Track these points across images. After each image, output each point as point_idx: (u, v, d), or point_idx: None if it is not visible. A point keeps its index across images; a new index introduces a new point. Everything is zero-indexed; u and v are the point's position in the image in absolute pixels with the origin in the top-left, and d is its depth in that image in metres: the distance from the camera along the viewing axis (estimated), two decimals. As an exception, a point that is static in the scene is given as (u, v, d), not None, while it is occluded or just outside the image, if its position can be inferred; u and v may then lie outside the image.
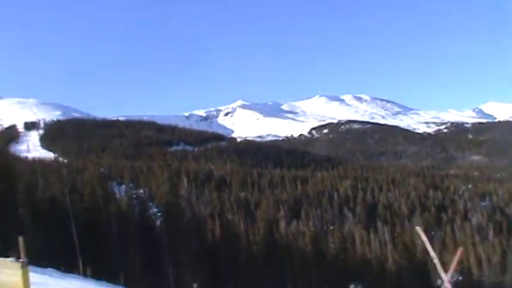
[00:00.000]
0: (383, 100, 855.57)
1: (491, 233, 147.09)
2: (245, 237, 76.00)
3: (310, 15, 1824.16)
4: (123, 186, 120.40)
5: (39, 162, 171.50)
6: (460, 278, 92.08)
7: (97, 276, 53.83)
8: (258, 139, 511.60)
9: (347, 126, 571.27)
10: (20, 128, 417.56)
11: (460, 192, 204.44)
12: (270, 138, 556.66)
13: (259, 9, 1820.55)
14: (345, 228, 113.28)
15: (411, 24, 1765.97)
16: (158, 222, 75.85)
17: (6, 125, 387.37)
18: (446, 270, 7.51)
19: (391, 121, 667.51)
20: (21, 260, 17.09)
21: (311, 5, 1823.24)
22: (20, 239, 17.89)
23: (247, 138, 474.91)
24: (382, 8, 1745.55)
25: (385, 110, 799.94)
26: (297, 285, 72.41)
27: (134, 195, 79.95)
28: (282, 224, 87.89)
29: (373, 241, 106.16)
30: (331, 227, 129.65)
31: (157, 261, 66.30)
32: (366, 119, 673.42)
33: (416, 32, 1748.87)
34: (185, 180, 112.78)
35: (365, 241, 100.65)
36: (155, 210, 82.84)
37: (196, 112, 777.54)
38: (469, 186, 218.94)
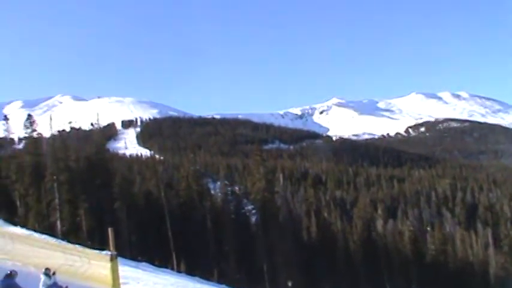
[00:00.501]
0: (483, 97, 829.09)
1: None
2: (342, 235, 74.67)
3: (408, 12, 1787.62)
4: (218, 183, 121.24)
5: (135, 159, 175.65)
6: None
7: (190, 271, 54.06)
8: (354, 137, 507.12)
9: (445, 124, 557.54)
10: (118, 125, 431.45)
11: None
12: (365, 136, 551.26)
13: (356, 8, 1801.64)
14: (445, 229, 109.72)
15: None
16: (253, 219, 75.58)
17: (104, 123, 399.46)
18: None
19: (491, 119, 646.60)
20: (110, 253, 16.88)
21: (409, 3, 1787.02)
22: (110, 231, 17.61)
23: (343, 137, 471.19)
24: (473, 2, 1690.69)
25: (484, 107, 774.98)
26: (395, 285, 70.55)
27: (229, 192, 79.83)
28: (380, 223, 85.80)
29: (474, 243, 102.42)
30: (428, 228, 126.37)
31: (251, 258, 65.99)
32: (465, 117, 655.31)
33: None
34: (281, 177, 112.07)
35: (466, 243, 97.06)
36: (250, 207, 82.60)
37: (291, 110, 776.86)
38: None
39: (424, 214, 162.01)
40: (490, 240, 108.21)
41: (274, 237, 63.70)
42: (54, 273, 16.31)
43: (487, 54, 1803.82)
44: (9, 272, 15.20)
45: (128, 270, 27.72)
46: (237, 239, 65.95)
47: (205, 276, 51.28)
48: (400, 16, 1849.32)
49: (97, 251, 17.75)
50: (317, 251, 67.82)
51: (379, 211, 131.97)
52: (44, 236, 37.95)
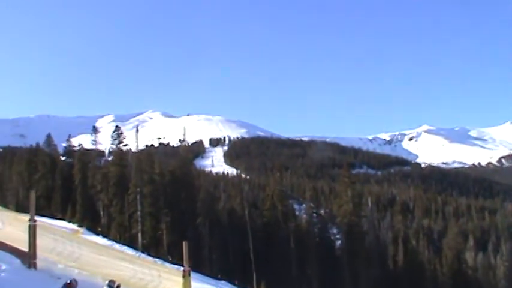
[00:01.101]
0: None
1: None
2: (430, 266, 71.50)
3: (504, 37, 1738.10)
4: (304, 205, 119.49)
5: (221, 177, 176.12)
6: None
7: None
8: (443, 165, 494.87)
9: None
10: (206, 143, 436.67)
11: None
12: (455, 165, 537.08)
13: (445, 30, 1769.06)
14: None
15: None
16: (338, 244, 73.58)
17: (192, 140, 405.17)
18: None
19: None
20: (183, 269, 15.78)
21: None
22: (184, 245, 16.46)
23: (432, 164, 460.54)
24: None
25: None
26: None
27: (315, 214, 78.07)
28: (470, 255, 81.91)
29: None
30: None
31: (334, 283, 63.97)
32: None
33: None
34: (369, 200, 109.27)
35: None
36: (335, 231, 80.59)
37: (380, 136, 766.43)
38: None
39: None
40: None
41: (359, 263, 61.60)
42: (118, 286, 15.19)
43: None
44: (68, 282, 14.20)
45: (205, 288, 26.53)
46: (320, 263, 64.15)
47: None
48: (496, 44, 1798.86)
49: (173, 266, 16.49)
50: (403, 280, 64.96)
51: (470, 243, 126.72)
52: (124, 247, 37.39)
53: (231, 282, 45.60)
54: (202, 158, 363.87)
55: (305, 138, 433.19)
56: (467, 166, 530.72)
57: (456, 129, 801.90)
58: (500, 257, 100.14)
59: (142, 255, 37.65)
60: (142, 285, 16.15)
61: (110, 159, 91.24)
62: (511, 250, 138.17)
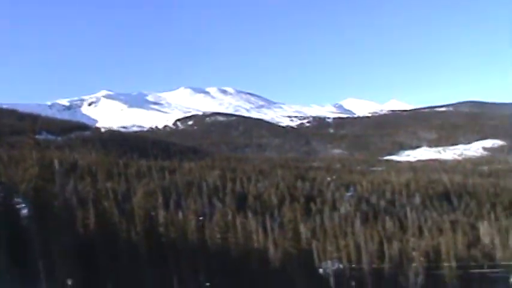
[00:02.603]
0: (247, 93, 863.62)
1: (358, 222, 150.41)
2: (122, 226, 71.11)
3: (170, 6, 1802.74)
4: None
5: None
6: (341, 265, 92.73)
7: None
8: (123, 129, 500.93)
9: (212, 118, 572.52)
10: None
11: (326, 183, 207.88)
12: (134, 129, 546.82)
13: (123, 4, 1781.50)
14: (219, 218, 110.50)
15: (274, 19, 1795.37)
16: (24, 212, 69.61)
17: None
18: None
19: (255, 114, 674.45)
20: None
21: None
22: None
23: (112, 129, 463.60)
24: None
25: (249, 103, 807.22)
26: (182, 276, 69.17)
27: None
28: (161, 213, 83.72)
29: (254, 230, 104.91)
30: (201, 218, 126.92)
31: (24, 255, 60.19)
32: (231, 111, 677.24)
33: (278, 28, 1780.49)
34: (56, 163, 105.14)
35: (246, 230, 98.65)
36: (19, 199, 76.24)
37: (59, 101, 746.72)
38: (334, 177, 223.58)
39: (197, 204, 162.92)
40: (269, 226, 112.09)
41: (50, 231, 58.62)
42: None
43: (252, 52, 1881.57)
44: None
45: None
46: (6, 235, 59.80)
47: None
48: (166, 11, 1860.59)
49: None
50: (97, 245, 63.54)
51: (159, 201, 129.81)
52: None
53: None
54: None
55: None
56: (145, 129, 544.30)
57: (134, 94, 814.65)
58: (186, 212, 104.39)
59: None
60: None
61: None
62: (189, 205, 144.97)
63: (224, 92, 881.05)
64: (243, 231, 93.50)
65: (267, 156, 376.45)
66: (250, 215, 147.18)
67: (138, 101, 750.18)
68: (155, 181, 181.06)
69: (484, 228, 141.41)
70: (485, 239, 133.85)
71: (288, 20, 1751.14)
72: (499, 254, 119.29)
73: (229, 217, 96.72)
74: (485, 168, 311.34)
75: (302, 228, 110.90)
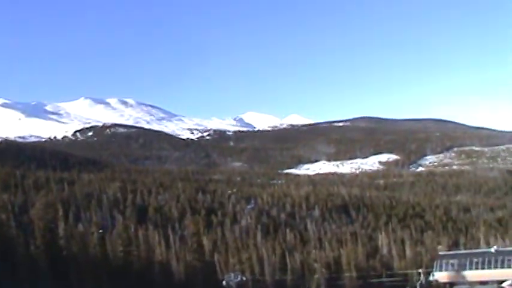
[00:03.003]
0: (148, 105, 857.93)
1: (259, 235, 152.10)
2: (20, 239, 69.38)
3: (71, 16, 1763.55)
4: None
5: None
6: (244, 278, 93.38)
7: None
8: (20, 139, 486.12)
9: (112, 129, 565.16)
10: None
11: (227, 196, 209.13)
12: (32, 139, 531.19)
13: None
14: (121, 230, 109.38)
15: (173, 32, 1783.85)
16: None
17: None
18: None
19: (156, 126, 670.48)
20: None
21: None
22: None
23: (8, 139, 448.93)
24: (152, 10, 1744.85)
25: (150, 115, 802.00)
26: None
27: None
28: (61, 225, 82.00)
29: (157, 243, 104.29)
30: (101, 230, 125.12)
31: None
32: (131, 123, 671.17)
33: (178, 40, 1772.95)
34: None
35: (149, 243, 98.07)
36: None
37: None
38: (234, 190, 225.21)
39: (98, 216, 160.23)
40: (171, 239, 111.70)
41: None
42: None
43: (154, 63, 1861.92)
44: None
45: None
46: None
47: None
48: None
49: None
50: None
51: (59, 213, 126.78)
52: None
53: None
54: None
55: None
56: (44, 140, 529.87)
57: (33, 103, 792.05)
58: (87, 225, 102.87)
59: None
60: None
61: None
62: (89, 218, 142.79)
63: (125, 103, 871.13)
64: (145, 244, 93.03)
65: (167, 168, 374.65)
66: (151, 227, 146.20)
67: (36, 111, 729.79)
68: (54, 193, 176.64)
69: (381, 239, 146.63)
70: (383, 250, 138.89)
71: (187, 33, 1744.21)
72: (396, 263, 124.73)
73: (132, 230, 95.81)
74: (381, 181, 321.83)
75: (205, 241, 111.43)
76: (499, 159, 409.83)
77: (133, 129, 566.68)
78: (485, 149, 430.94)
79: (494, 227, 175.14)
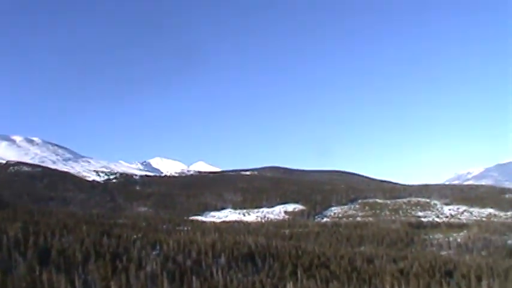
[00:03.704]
0: (55, 145, 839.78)
1: (165, 281, 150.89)
2: None
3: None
4: None
5: None
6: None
7: None
8: None
9: (16, 167, 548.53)
10: None
11: (133, 241, 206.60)
12: None
13: None
14: (24, 273, 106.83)
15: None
16: None
17: None
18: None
19: (61, 167, 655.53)
20: None
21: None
22: None
23: None
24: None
25: (56, 155, 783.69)
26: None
27: None
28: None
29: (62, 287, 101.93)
30: None
31: None
32: (36, 162, 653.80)
33: (92, 83, 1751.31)
34: None
35: (53, 286, 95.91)
36: None
37: None
38: (139, 235, 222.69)
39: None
40: (77, 283, 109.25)
41: None
42: None
43: (57, 102, 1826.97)
44: None
45: None
46: None
47: None
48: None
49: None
50: None
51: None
52: None
53: None
54: None
55: None
56: None
57: None
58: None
59: None
60: None
61: None
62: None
63: (31, 141, 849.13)
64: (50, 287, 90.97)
65: (72, 210, 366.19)
66: (54, 270, 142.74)
67: None
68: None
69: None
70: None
71: (104, 76, 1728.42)
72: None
73: (37, 272, 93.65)
74: (287, 231, 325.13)
75: (113, 287, 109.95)
76: (400, 212, 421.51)
77: (38, 169, 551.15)
78: (388, 202, 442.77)
79: (397, 278, 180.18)
